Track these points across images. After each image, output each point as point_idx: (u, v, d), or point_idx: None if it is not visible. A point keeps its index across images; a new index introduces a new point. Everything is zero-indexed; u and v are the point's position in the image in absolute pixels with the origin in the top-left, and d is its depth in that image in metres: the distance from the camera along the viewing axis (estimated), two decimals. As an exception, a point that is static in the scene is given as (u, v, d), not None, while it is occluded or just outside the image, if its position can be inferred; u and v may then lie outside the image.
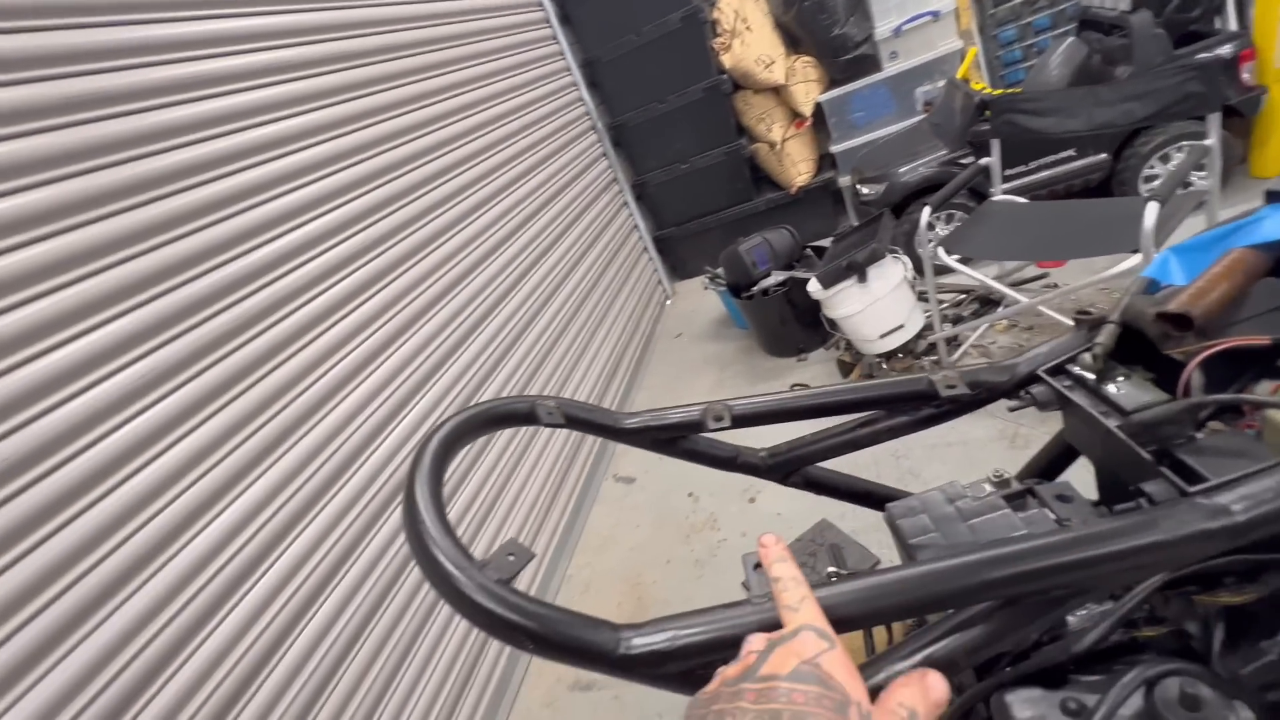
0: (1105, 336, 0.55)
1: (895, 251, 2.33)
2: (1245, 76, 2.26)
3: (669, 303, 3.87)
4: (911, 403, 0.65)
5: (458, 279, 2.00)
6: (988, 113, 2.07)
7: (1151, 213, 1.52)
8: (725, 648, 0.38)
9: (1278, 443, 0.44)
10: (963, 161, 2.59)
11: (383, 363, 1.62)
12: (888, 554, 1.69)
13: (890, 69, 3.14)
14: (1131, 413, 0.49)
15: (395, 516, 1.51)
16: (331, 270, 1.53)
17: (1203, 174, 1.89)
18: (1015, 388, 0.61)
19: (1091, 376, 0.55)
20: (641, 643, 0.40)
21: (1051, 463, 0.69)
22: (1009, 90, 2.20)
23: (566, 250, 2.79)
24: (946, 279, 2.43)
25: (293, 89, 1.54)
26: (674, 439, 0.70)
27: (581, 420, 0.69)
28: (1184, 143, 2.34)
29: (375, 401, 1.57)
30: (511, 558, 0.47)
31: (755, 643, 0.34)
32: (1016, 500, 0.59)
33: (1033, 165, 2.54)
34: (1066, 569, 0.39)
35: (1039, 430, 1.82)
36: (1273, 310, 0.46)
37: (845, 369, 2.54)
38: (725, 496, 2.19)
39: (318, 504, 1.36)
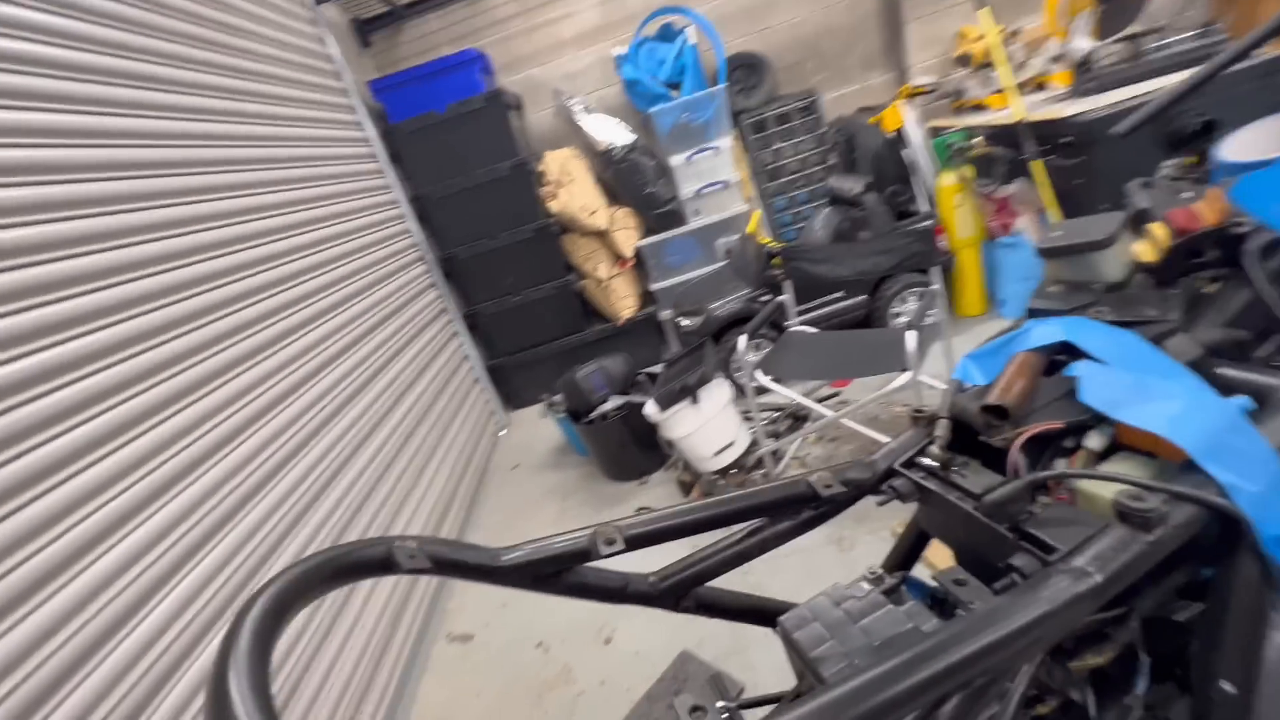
0: (943, 430, 0.62)
1: (720, 375, 2.55)
2: (942, 244, 3.05)
3: (503, 434, 3.72)
4: (794, 506, 0.66)
5: (255, 418, 1.71)
6: (775, 260, 2.50)
7: (912, 339, 1.88)
8: None
9: (1093, 509, 0.51)
10: (763, 299, 3.03)
11: (145, 521, 1.26)
12: (751, 677, 1.65)
13: (695, 223, 3.65)
14: (982, 495, 0.54)
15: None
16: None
17: (933, 311, 2.43)
18: (878, 483, 0.66)
19: (938, 465, 0.61)
20: None
21: (909, 552, 0.74)
22: (789, 244, 2.68)
23: (390, 381, 2.58)
24: (763, 399, 2.70)
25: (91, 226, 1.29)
26: (559, 573, 0.62)
27: (451, 562, 0.59)
28: (914, 289, 3.02)
29: (129, 577, 1.19)
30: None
31: None
32: (894, 595, 0.61)
33: (817, 302, 3.05)
34: (986, 652, 0.40)
35: (859, 531, 2.00)
36: (1057, 400, 0.57)
37: (685, 488, 2.61)
38: (578, 642, 2.00)
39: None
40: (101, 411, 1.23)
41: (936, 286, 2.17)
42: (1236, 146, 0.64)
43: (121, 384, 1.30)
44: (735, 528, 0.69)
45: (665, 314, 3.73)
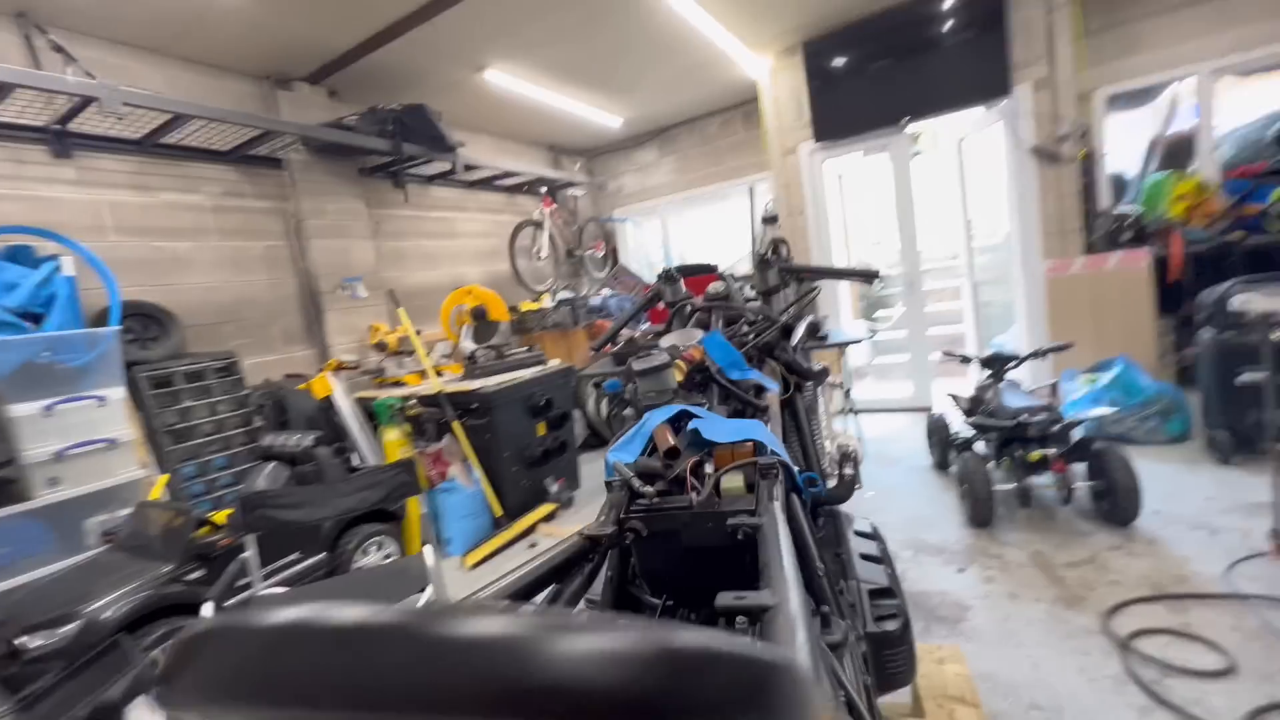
0: (639, 483, 0.85)
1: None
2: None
3: None
4: (580, 563, 0.71)
5: None
6: (204, 529, 2.16)
7: (430, 553, 1.94)
8: None
9: (731, 492, 0.84)
10: (190, 577, 2.33)
11: None
12: None
13: (48, 496, 2.55)
14: (697, 504, 0.80)
15: None
16: None
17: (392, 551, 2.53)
18: (620, 532, 0.80)
19: (650, 502, 0.83)
20: None
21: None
22: (250, 493, 2.31)
23: None
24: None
25: None
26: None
27: None
28: (374, 538, 3.01)
29: None
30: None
31: None
32: None
33: (281, 563, 2.58)
34: None
35: None
36: (687, 447, 0.90)
37: None
38: None
39: None
40: None
41: (425, 510, 2.33)
42: (670, 339, 1.26)
43: None
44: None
45: (-35, 651, 2.24)
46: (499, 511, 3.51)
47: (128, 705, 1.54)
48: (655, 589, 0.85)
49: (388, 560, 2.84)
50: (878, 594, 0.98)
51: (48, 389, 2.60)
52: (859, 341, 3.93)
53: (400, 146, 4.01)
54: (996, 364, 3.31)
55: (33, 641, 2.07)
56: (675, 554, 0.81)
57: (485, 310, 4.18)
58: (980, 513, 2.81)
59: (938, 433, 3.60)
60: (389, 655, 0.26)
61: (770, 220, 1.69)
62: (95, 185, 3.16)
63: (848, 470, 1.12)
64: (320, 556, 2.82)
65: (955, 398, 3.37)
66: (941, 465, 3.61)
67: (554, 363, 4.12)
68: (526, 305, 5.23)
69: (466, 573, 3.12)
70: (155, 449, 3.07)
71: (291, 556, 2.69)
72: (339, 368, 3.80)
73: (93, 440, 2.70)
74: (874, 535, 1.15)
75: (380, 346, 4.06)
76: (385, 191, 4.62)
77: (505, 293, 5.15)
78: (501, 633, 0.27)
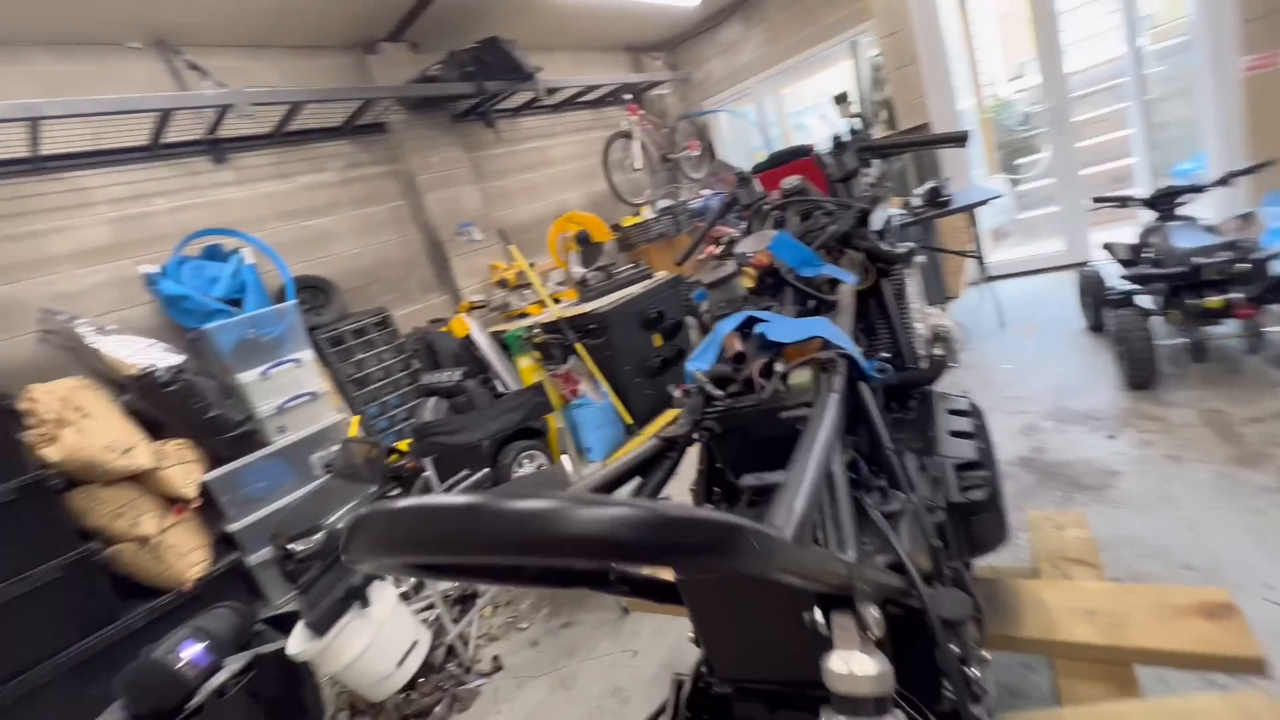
0: (712, 387, 0.94)
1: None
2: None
3: None
4: (659, 461, 0.84)
5: None
6: (393, 456, 2.58)
7: (568, 462, 2.22)
8: None
9: (799, 387, 0.90)
10: (392, 494, 2.88)
11: None
12: None
13: (282, 441, 3.24)
14: (762, 400, 0.87)
15: None
16: None
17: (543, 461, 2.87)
18: (694, 430, 0.90)
19: (722, 403, 0.92)
20: None
21: (708, 484, 0.97)
22: (422, 425, 2.75)
23: None
24: (431, 587, 2.49)
25: None
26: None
27: None
28: (526, 452, 3.45)
29: None
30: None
31: None
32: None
33: (454, 479, 3.09)
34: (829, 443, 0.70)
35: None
36: (757, 350, 0.97)
37: (364, 733, 2.06)
38: None
39: None
40: None
41: (562, 425, 2.63)
42: (747, 244, 1.28)
43: None
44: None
45: (257, 557, 3.03)
46: (629, 420, 3.81)
47: (368, 587, 2.04)
48: (738, 474, 0.96)
49: (539, 469, 3.25)
50: (966, 467, 1.00)
51: (259, 358, 3.23)
52: (990, 201, 3.52)
53: (482, 85, 4.10)
54: (1164, 200, 2.82)
55: (298, 547, 2.74)
56: (749, 445, 0.90)
57: (588, 234, 4.32)
58: (1140, 373, 2.54)
59: (1091, 290, 3.20)
60: (470, 522, 0.40)
61: (842, 100, 1.56)
62: (250, 181, 3.67)
63: (938, 351, 1.11)
64: (485, 471, 3.30)
65: (1111, 247, 2.95)
66: (1096, 327, 3.24)
67: (660, 274, 4.20)
68: (628, 220, 5.28)
69: (608, 475, 3.49)
70: (345, 396, 3.71)
71: (463, 473, 3.19)
72: (470, 308, 4.21)
73: (299, 394, 3.33)
74: (969, 412, 1.14)
75: (501, 283, 4.40)
76: (479, 133, 4.80)
77: (606, 211, 5.24)
78: (549, 506, 0.39)
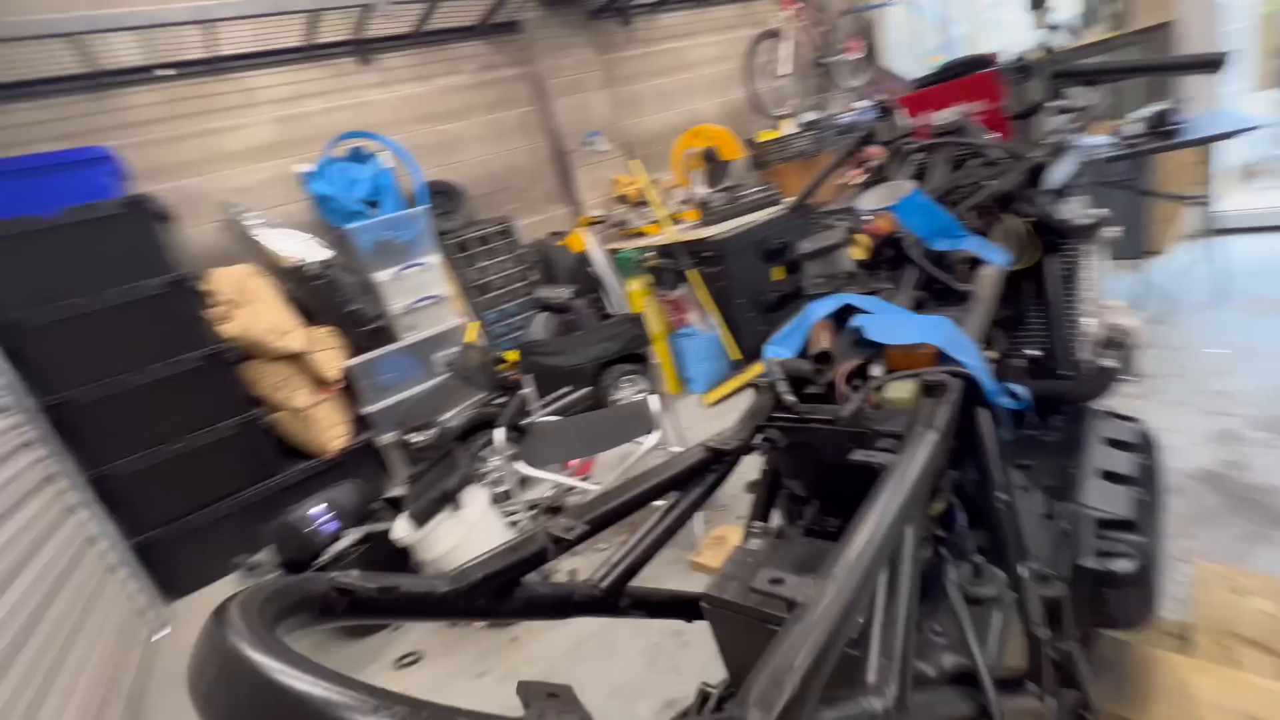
0: (784, 388, 0.79)
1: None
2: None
3: (163, 635, 2.70)
4: (700, 474, 0.72)
5: None
6: (503, 364, 2.64)
7: (654, 402, 2.17)
8: None
9: (895, 406, 0.72)
10: (497, 401, 3.04)
11: None
12: None
13: (409, 338, 3.51)
14: (839, 418, 0.71)
15: None
16: None
17: (644, 389, 2.84)
18: (751, 438, 0.77)
19: (793, 412, 0.77)
20: None
21: (767, 502, 0.85)
22: (527, 342, 2.83)
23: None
24: (519, 496, 2.65)
25: None
26: (510, 588, 0.55)
27: (385, 604, 0.48)
28: (627, 376, 3.46)
29: None
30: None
31: None
32: (780, 536, 0.73)
33: (554, 395, 3.21)
34: (907, 507, 0.53)
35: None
36: (849, 346, 0.79)
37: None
38: None
39: None
40: None
41: (657, 360, 2.56)
42: (869, 199, 1.04)
43: None
44: (649, 520, 0.71)
45: (386, 438, 3.40)
46: (736, 355, 3.65)
47: (460, 491, 2.20)
48: (806, 489, 0.82)
49: (636, 397, 3.24)
50: (1112, 524, 0.78)
51: (393, 259, 3.45)
52: (1240, 134, 2.69)
53: (620, -24, 3.77)
54: None
55: (415, 438, 3.03)
56: (817, 464, 0.75)
57: (715, 151, 3.99)
58: None
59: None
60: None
61: (1039, 4, 1.16)
62: (392, 84, 3.77)
63: (1108, 360, 0.86)
64: (586, 390, 3.37)
65: None
66: (1363, 313, 2.46)
67: (789, 200, 3.81)
68: (764, 135, 4.81)
69: (706, 409, 3.42)
70: (467, 301, 3.91)
71: (564, 390, 3.28)
72: (590, 223, 4.15)
73: (427, 296, 3.55)
74: (1138, 445, 0.88)
75: (622, 199, 4.27)
76: (613, 33, 4.50)
77: (742, 124, 4.80)
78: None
